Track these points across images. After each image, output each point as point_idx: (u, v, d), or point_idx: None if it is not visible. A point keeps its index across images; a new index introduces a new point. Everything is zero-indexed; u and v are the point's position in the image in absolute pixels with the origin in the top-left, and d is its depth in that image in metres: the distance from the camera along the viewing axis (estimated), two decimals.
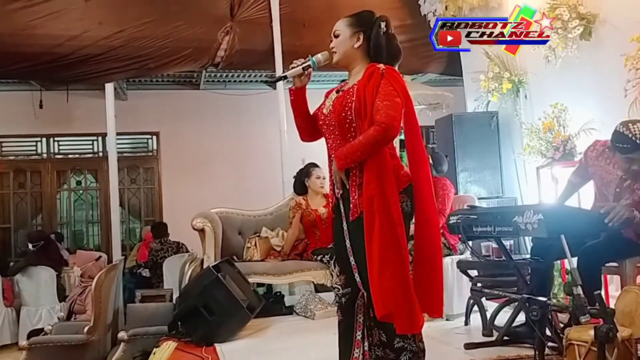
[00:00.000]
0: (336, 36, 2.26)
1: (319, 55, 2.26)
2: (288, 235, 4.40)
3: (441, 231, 3.02)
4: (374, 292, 2.07)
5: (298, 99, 2.33)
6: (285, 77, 2.32)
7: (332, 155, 2.24)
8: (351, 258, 2.21)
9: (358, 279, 2.19)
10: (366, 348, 2.24)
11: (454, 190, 4.21)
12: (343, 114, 2.18)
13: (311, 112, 2.38)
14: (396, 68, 2.22)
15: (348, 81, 2.31)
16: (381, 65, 2.16)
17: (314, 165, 4.41)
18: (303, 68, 2.26)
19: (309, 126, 2.38)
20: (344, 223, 2.24)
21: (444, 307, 2.26)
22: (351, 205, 2.17)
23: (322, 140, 2.36)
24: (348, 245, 2.22)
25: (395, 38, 2.28)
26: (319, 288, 4.48)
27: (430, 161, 4.08)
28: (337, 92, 2.30)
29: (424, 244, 2.19)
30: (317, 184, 4.38)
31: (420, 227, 2.21)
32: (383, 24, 2.23)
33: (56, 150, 8.64)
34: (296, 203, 4.41)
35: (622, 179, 2.84)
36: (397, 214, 2.07)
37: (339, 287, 2.31)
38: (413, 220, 2.24)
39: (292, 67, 2.28)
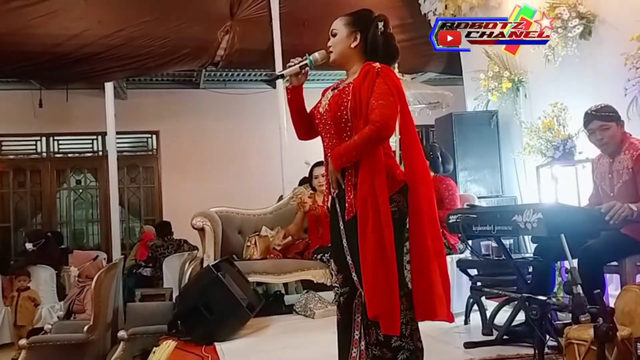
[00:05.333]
0: (333, 35, 2.25)
1: (316, 54, 2.25)
2: (289, 227, 4.41)
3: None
4: (366, 291, 2.08)
5: (295, 97, 2.32)
6: (282, 76, 2.31)
7: (328, 154, 2.24)
8: (348, 257, 2.20)
9: (355, 278, 2.18)
10: (363, 347, 2.23)
11: (458, 189, 4.21)
12: (339, 113, 2.17)
13: (308, 110, 2.37)
14: (395, 67, 2.21)
15: (345, 80, 2.30)
16: (377, 64, 2.15)
17: (316, 164, 4.44)
18: (300, 67, 2.25)
19: (305, 124, 2.37)
20: (340, 222, 2.24)
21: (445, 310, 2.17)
22: (347, 205, 2.16)
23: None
24: (345, 244, 2.21)
25: (393, 38, 2.26)
26: (319, 287, 4.48)
27: (440, 160, 4.10)
28: (333, 90, 2.29)
29: (417, 245, 2.17)
30: (317, 184, 4.41)
31: (413, 228, 2.18)
32: (381, 24, 2.22)
33: (56, 149, 8.63)
34: (302, 201, 4.43)
35: (610, 163, 3.01)
36: (385, 215, 2.05)
37: (337, 285, 2.31)
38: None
39: (290, 66, 2.27)
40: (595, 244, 2.79)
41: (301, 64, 2.25)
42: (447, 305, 2.17)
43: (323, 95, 2.34)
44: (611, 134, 2.96)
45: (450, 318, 2.19)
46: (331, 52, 2.26)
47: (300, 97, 2.33)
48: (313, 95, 2.46)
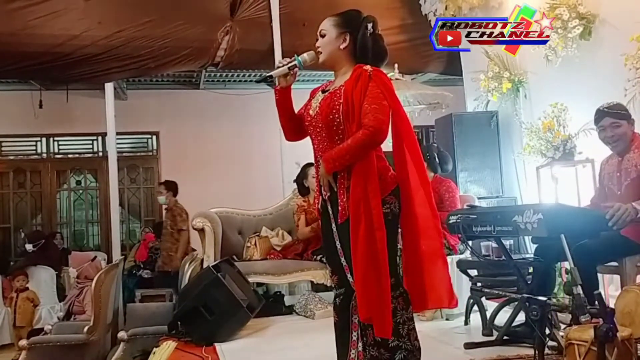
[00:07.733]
0: (322, 36, 2.23)
1: (305, 54, 2.24)
2: (301, 230, 4.41)
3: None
4: (358, 294, 2.08)
5: (283, 98, 2.31)
6: (271, 77, 2.29)
7: (319, 156, 2.23)
8: (342, 259, 2.20)
9: (351, 280, 2.18)
10: (360, 348, 2.22)
11: (458, 190, 4.21)
12: (330, 116, 2.16)
13: (296, 111, 2.36)
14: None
15: (334, 81, 2.28)
16: (368, 67, 2.14)
17: (310, 164, 4.43)
18: (289, 67, 2.24)
19: (294, 126, 2.36)
20: (333, 225, 2.23)
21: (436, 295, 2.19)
22: (339, 208, 2.16)
23: None
24: (338, 246, 2.21)
25: (382, 39, 2.25)
26: (319, 287, 4.49)
27: (437, 160, 4.10)
28: (323, 91, 2.27)
29: (409, 245, 2.17)
30: (314, 184, 4.40)
31: (405, 229, 2.18)
32: (370, 25, 2.20)
33: (56, 150, 8.63)
34: (298, 206, 4.43)
35: (619, 162, 3.01)
36: (377, 218, 2.05)
37: (334, 287, 2.30)
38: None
39: (278, 67, 2.26)
40: (589, 244, 2.78)
41: (290, 64, 2.24)
42: (439, 292, 2.17)
43: (312, 96, 2.33)
44: (622, 132, 2.97)
45: (444, 303, 2.20)
46: (320, 53, 2.24)
47: (289, 98, 2.32)
48: (303, 97, 2.45)
